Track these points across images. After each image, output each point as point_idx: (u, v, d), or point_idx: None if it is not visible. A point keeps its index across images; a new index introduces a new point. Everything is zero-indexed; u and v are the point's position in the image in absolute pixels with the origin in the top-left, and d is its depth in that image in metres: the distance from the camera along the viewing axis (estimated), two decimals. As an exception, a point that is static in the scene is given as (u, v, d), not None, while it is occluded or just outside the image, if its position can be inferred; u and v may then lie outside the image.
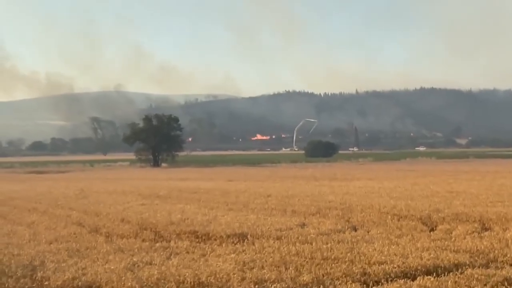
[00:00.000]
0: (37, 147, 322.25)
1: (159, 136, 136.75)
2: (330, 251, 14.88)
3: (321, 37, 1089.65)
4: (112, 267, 13.39)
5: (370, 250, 14.96)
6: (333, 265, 13.18)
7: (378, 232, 18.57)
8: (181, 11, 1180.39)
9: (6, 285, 11.67)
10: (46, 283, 11.84)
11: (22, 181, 68.37)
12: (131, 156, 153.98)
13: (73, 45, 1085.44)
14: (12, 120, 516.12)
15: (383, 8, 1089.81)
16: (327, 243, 16.27)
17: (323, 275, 12.29)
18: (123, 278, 12.10)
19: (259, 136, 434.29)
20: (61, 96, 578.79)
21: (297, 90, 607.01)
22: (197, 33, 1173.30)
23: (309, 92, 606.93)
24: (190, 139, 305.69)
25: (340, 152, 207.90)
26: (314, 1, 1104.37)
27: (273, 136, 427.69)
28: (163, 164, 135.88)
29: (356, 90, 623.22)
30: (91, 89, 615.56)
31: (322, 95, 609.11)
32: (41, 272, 12.98)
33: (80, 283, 11.80)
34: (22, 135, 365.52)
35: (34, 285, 11.81)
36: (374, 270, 12.60)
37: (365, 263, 13.30)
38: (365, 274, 12.41)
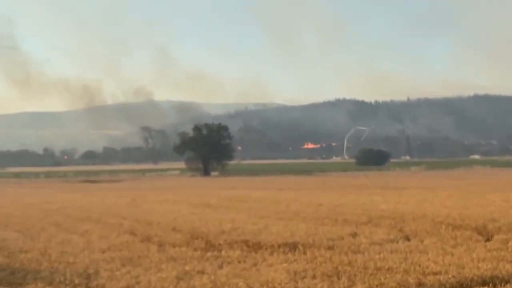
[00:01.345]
0: (89, 156, 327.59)
1: (209, 145, 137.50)
2: (384, 261, 14.67)
3: (360, 41, 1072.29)
4: (164, 276, 13.45)
5: (424, 260, 14.69)
6: (387, 275, 12.98)
7: (432, 241, 18.23)
8: (217, 17, 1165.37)
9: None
10: (101, 291, 11.97)
11: (75, 190, 69.50)
12: (182, 165, 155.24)
13: (113, 55, 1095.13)
14: (65, 130, 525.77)
15: (425, 10, 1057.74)
16: (380, 253, 16.05)
17: (376, 286, 12.12)
18: (176, 286, 12.13)
19: (309, 145, 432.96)
20: (112, 106, 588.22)
21: (347, 98, 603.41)
22: (234, 40, 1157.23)
23: (359, 100, 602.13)
24: (239, 148, 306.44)
25: (391, 160, 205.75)
26: (352, 4, 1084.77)
27: (323, 145, 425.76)
28: (213, 173, 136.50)
29: (408, 98, 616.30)
30: (140, 99, 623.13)
31: (372, 102, 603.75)
32: (96, 280, 13.12)
33: (133, 292, 11.89)
34: (74, 145, 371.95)
35: (89, 293, 11.96)
36: (430, 281, 12.36)
37: (420, 274, 13.06)
38: (420, 284, 12.19)
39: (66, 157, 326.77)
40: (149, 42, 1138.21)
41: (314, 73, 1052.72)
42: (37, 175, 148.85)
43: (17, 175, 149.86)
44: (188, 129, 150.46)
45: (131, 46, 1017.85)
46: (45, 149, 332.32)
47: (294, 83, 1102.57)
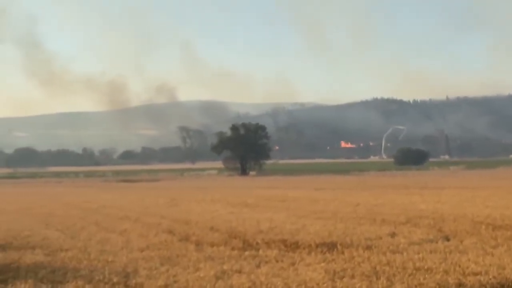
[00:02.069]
0: (128, 156, 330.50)
1: (246, 144, 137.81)
2: (423, 261, 14.53)
3: (393, 39, 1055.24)
4: (202, 275, 13.50)
5: (464, 260, 14.52)
6: (426, 275, 12.85)
7: (472, 242, 17.99)
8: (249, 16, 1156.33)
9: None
10: (140, 290, 12.06)
11: (114, 189, 70.24)
12: (219, 164, 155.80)
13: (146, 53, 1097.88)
14: (104, 130, 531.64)
15: (460, 7, 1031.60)
16: (419, 253, 15.91)
17: (416, 286, 12.00)
18: (215, 286, 12.17)
19: (346, 144, 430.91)
20: (150, 106, 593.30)
21: (385, 97, 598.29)
22: (264, 37, 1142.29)
23: (397, 98, 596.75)
24: (277, 147, 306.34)
25: (430, 160, 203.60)
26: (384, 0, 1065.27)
27: (361, 144, 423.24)
28: (251, 173, 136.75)
29: (447, 97, 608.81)
30: (177, 99, 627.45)
31: (411, 101, 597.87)
32: (135, 279, 13.23)
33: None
34: (113, 145, 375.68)
35: (128, 291, 12.06)
36: (470, 281, 12.20)
37: (460, 274, 12.90)
38: (460, 285, 12.04)
39: (104, 156, 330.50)
40: (176, 39, 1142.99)
41: (348, 72, 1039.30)
42: (76, 174, 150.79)
43: (57, 175, 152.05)
44: (222, 129, 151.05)
45: (158, 43, 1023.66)
46: (84, 149, 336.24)
47: (326, 82, 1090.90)
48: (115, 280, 12.99)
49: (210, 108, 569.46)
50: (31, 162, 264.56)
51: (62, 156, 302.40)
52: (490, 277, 12.56)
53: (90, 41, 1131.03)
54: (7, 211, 36.07)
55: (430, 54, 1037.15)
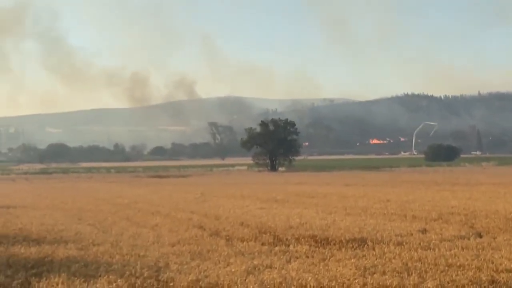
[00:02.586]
0: (158, 152, 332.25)
1: (276, 140, 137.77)
2: (455, 257, 14.44)
3: (420, 33, 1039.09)
4: (233, 270, 13.55)
5: (497, 257, 14.41)
6: (458, 272, 12.76)
7: (505, 238, 17.84)
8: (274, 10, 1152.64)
9: (135, 285, 12.04)
10: (171, 284, 12.12)
11: (144, 185, 70.67)
12: (249, 160, 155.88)
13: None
14: (134, 126, 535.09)
15: (489, 1, 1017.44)
16: (450, 250, 15.82)
17: (448, 282, 11.92)
18: (246, 281, 12.21)
19: (376, 140, 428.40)
20: (180, 102, 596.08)
21: (415, 93, 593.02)
22: (288, 32, 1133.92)
23: (428, 94, 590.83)
24: (306, 143, 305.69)
25: (462, 156, 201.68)
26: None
27: (391, 140, 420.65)
28: (280, 169, 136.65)
29: (479, 92, 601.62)
30: (209, 95, 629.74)
31: (442, 97, 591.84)
32: (166, 273, 13.32)
33: (203, 285, 12.00)
34: (144, 141, 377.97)
35: (159, 286, 12.12)
36: (503, 278, 12.10)
37: (493, 271, 12.80)
38: (493, 281, 11.93)
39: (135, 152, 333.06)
40: (196, 34, 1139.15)
41: (376, 68, 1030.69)
42: (108, 170, 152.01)
43: (88, 170, 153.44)
44: (248, 125, 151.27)
45: (180, 38, 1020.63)
46: (116, 145, 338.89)
47: (353, 78, 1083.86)
48: (146, 274, 13.09)
49: (234, 104, 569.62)
50: (63, 157, 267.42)
51: (94, 152, 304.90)
52: (524, 274, 12.44)
53: (111, 36, 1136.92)
54: (41, 206, 36.52)
55: (459, 48, 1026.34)
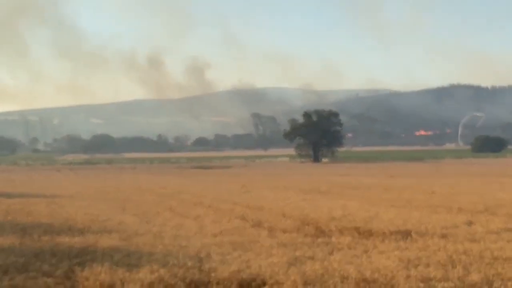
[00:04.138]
0: (201, 143, 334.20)
1: (319, 131, 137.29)
2: (501, 250, 14.15)
3: (464, 24, 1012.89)
4: (275, 261, 13.48)
5: (546, 251, 14.06)
6: (504, 265, 12.50)
7: (553, 231, 17.43)
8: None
9: (177, 275, 12.07)
10: (213, 274, 12.11)
11: (188, 176, 71.15)
12: (291, 151, 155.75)
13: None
14: (178, 117, 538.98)
15: None
16: (497, 242, 15.52)
17: (493, 276, 11.67)
18: (288, 272, 12.14)
19: (422, 132, 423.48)
20: (223, 93, 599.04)
21: (462, 83, 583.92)
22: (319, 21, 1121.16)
23: (475, 85, 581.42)
24: (350, 134, 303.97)
25: (509, 147, 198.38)
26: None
27: (437, 131, 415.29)
28: (324, 160, 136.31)
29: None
30: (254, 85, 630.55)
31: (489, 87, 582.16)
32: (208, 263, 13.33)
33: (245, 276, 11.96)
34: (187, 132, 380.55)
35: (202, 275, 12.12)
36: (551, 272, 11.80)
37: (541, 265, 12.50)
38: (540, 276, 11.65)
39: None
40: (217, 21, 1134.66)
41: (417, 58, 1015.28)
42: (151, 161, 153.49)
43: (132, 161, 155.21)
44: (295, 115, 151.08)
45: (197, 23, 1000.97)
46: (159, 136, 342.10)
47: (397, 68, 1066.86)
48: (189, 264, 13.11)
49: (273, 95, 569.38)
50: (107, 148, 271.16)
51: (137, 143, 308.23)
52: None
53: (128, 20, 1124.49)
54: (85, 196, 37.01)
55: (506, 38, 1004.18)
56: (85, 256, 14.38)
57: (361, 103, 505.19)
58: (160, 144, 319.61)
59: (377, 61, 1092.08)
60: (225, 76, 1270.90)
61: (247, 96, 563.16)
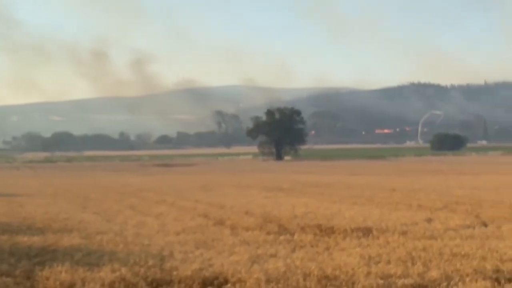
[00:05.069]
0: (163, 140, 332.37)
1: (281, 129, 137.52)
2: (459, 247, 14.37)
3: (425, 24, 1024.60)
4: (237, 259, 13.51)
5: (502, 246, 14.33)
6: (463, 261, 12.70)
7: (510, 228, 17.75)
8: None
9: (138, 274, 12.00)
10: (175, 273, 12.07)
11: (150, 174, 70.76)
12: (254, 149, 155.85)
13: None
14: (140, 115, 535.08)
15: None
16: (455, 239, 15.76)
17: (452, 272, 11.84)
18: (250, 270, 12.17)
19: (382, 130, 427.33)
20: (186, 90, 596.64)
21: (422, 82, 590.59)
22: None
23: (435, 83, 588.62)
24: (312, 132, 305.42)
25: (468, 145, 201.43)
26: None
27: (397, 129, 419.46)
28: (286, 158, 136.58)
29: (485, 81, 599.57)
30: (213, 83, 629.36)
31: (448, 86, 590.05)
32: (170, 262, 13.29)
33: (207, 274, 11.95)
34: (149, 130, 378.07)
35: (163, 274, 12.08)
36: (507, 267, 12.01)
37: (497, 260, 12.72)
38: (497, 271, 11.84)
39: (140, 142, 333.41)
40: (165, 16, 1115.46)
41: (380, 58, 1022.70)
42: (113, 159, 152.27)
43: (93, 159, 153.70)
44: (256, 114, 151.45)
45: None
46: (121, 134, 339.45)
47: (373, 69, 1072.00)
48: (150, 263, 13.05)
49: (241, 92, 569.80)
50: (67, 146, 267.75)
51: (98, 141, 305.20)
52: (529, 263, 12.37)
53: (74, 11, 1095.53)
54: (45, 194, 36.57)
55: (465, 38, 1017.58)
56: (45, 256, 14.23)
57: (316, 101, 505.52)
58: (121, 142, 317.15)
59: (333, 60, 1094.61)
60: (174, 73, 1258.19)
61: (196, 94, 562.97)
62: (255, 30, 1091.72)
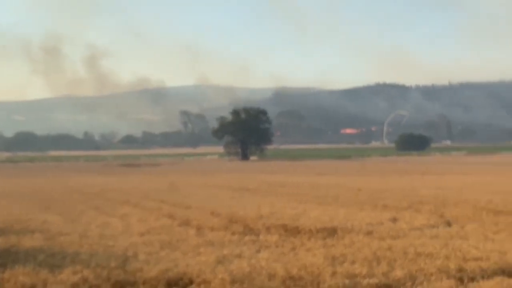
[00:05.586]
0: (129, 140, 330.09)
1: (247, 129, 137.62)
2: (424, 246, 14.48)
3: (390, 25, 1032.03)
4: (202, 260, 13.44)
5: (466, 246, 14.48)
6: (427, 260, 12.80)
7: (473, 227, 17.96)
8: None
9: (101, 276, 11.86)
10: (139, 274, 11.96)
11: (114, 174, 70.19)
12: (220, 149, 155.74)
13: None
14: (104, 114, 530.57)
15: None
16: (420, 239, 15.89)
17: (416, 271, 11.93)
18: (215, 270, 12.11)
19: (348, 130, 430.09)
20: (152, 90, 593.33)
21: (387, 82, 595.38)
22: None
23: (400, 84, 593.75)
24: (278, 132, 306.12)
25: (432, 145, 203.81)
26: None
27: (363, 129, 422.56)
28: (252, 158, 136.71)
29: (449, 82, 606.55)
30: (180, 83, 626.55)
31: (412, 86, 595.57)
32: (135, 263, 13.17)
33: (172, 275, 11.86)
34: (114, 129, 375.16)
35: (127, 276, 11.95)
36: (471, 267, 12.13)
37: (461, 259, 12.84)
38: (461, 270, 11.96)
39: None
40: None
41: (346, 57, 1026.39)
42: (77, 159, 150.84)
43: (57, 159, 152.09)
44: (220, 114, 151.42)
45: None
46: (85, 134, 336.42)
47: (341, 69, 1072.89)
48: (113, 264, 12.91)
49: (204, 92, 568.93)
50: (30, 146, 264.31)
51: (62, 141, 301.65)
52: (491, 262, 12.51)
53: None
54: (7, 195, 36.02)
55: (430, 38, 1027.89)
56: (7, 257, 13.98)
57: (279, 101, 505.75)
58: (86, 142, 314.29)
59: (294, 60, 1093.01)
60: (129, 71, 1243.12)
61: (155, 93, 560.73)
62: (213, 28, 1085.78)
